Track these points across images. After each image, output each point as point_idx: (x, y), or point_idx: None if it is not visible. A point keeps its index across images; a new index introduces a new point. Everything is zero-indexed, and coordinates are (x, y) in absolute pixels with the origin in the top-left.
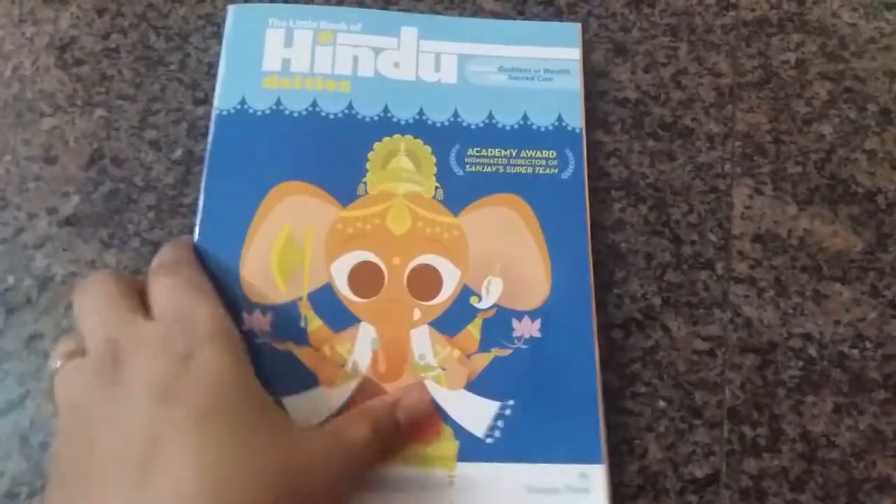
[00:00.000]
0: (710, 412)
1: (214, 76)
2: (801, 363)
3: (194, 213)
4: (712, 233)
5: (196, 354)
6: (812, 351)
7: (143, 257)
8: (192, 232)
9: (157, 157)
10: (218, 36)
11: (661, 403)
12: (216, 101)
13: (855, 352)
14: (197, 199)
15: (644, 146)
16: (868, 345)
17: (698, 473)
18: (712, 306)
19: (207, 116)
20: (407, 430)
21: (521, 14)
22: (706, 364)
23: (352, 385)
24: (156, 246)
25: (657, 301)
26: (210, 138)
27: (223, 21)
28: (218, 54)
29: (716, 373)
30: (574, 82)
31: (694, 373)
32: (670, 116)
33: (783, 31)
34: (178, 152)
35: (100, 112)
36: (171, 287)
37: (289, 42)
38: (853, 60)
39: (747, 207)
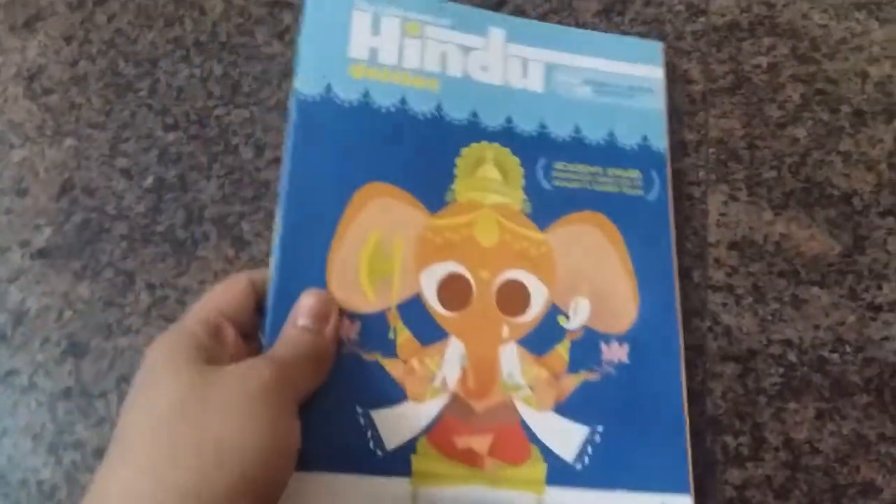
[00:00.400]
0: (692, 422)
1: (184, 100)
2: (781, 370)
3: (166, 235)
4: (688, 241)
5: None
6: (792, 357)
7: (116, 288)
8: (168, 257)
9: (128, 185)
10: (187, 60)
11: None
12: (298, 84)
13: (835, 356)
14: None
15: None
16: (848, 349)
17: None
18: (690, 315)
19: (179, 142)
20: (325, 333)
21: None
22: (686, 373)
23: (441, 402)
24: (129, 276)
25: None
26: (293, 125)
27: (192, 45)
28: (187, 78)
29: (696, 382)
30: (657, 102)
31: None
32: None
33: (754, 35)
34: (150, 180)
35: (69, 141)
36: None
37: (376, 30)
38: (825, 62)
39: (722, 214)
